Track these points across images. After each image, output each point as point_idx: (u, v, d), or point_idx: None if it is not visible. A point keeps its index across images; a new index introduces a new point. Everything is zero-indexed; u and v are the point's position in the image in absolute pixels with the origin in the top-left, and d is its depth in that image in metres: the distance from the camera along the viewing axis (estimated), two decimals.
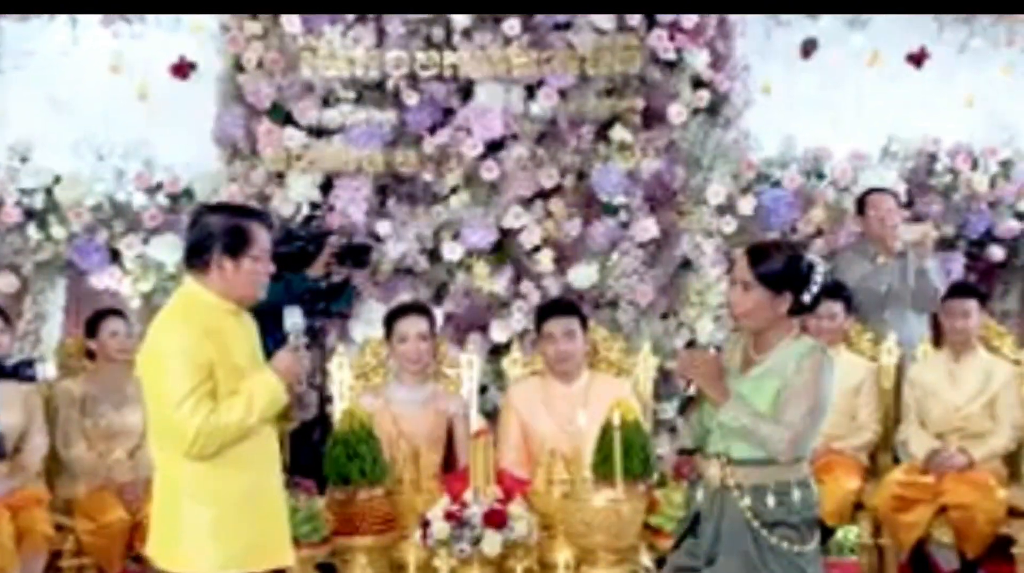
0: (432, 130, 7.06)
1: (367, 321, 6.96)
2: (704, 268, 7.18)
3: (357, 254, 6.89)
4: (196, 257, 4.24)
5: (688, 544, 4.29)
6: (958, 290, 6.59)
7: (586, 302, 6.89)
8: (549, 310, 6.05)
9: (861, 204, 7.24)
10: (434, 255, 7.09)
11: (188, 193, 7.22)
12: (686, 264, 7.20)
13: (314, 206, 7.08)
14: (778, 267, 4.12)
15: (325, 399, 6.55)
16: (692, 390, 4.24)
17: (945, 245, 7.55)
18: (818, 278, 4.14)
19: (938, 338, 6.83)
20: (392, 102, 7.06)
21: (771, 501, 4.10)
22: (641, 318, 7.06)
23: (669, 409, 6.86)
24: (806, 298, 4.14)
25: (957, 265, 7.55)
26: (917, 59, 7.84)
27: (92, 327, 6.40)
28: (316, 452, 5.49)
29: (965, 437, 6.28)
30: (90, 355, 6.44)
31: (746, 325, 4.21)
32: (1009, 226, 7.61)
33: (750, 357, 4.20)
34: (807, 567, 4.12)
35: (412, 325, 5.90)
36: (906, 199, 7.50)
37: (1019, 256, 7.72)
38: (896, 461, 6.49)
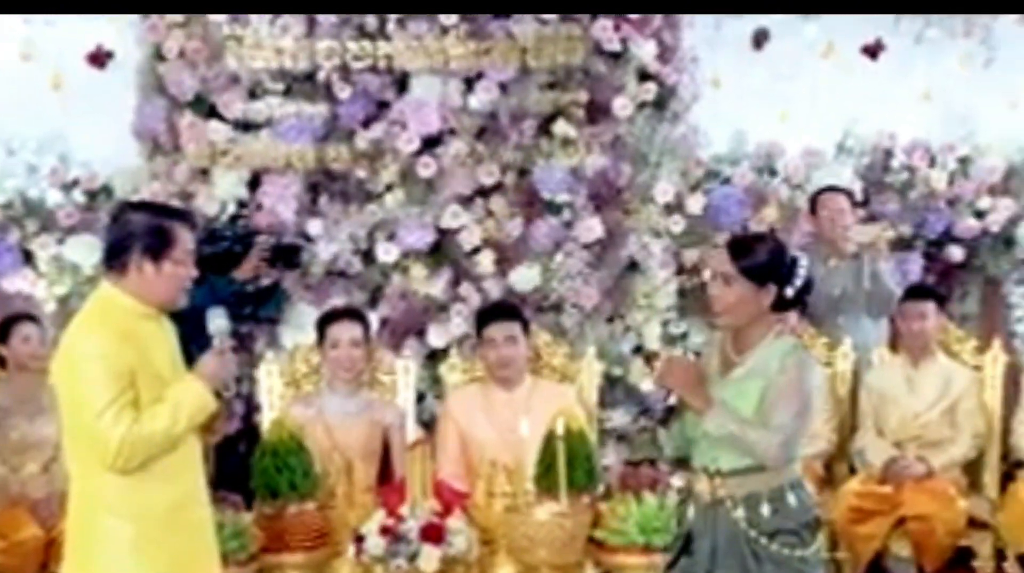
0: (365, 124, 7.04)
1: (297, 326, 6.92)
2: (651, 269, 7.21)
3: (287, 255, 6.88)
4: (115, 258, 4.20)
5: (683, 564, 4.26)
6: (915, 292, 6.66)
7: (528, 305, 6.88)
8: (490, 314, 6.06)
9: (814, 203, 7.29)
10: (368, 256, 7.06)
11: (106, 190, 7.16)
12: (633, 265, 7.22)
13: (241, 204, 7.04)
14: (762, 258, 4.12)
15: (253, 408, 6.53)
16: (672, 400, 4.21)
17: (902, 245, 7.61)
18: (802, 271, 4.14)
19: (895, 342, 6.89)
20: (323, 95, 7.03)
21: (766, 510, 4.09)
22: (586, 322, 7.07)
23: (615, 417, 6.90)
24: (789, 292, 4.12)
25: (915, 266, 7.60)
26: (872, 51, 7.91)
27: (3, 333, 6.33)
28: (243, 464, 5.47)
29: (924, 445, 6.34)
30: (1, 363, 6.37)
31: (727, 322, 4.19)
32: (968, 225, 7.67)
33: (729, 358, 4.19)
34: (812, 571, 4.12)
35: (344, 330, 5.89)
36: (862, 197, 7.56)
37: (979, 257, 7.77)
38: (852, 471, 6.53)
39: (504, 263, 7.06)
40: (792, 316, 6.55)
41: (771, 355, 4.11)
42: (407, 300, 7.02)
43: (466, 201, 7.08)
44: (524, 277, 7.03)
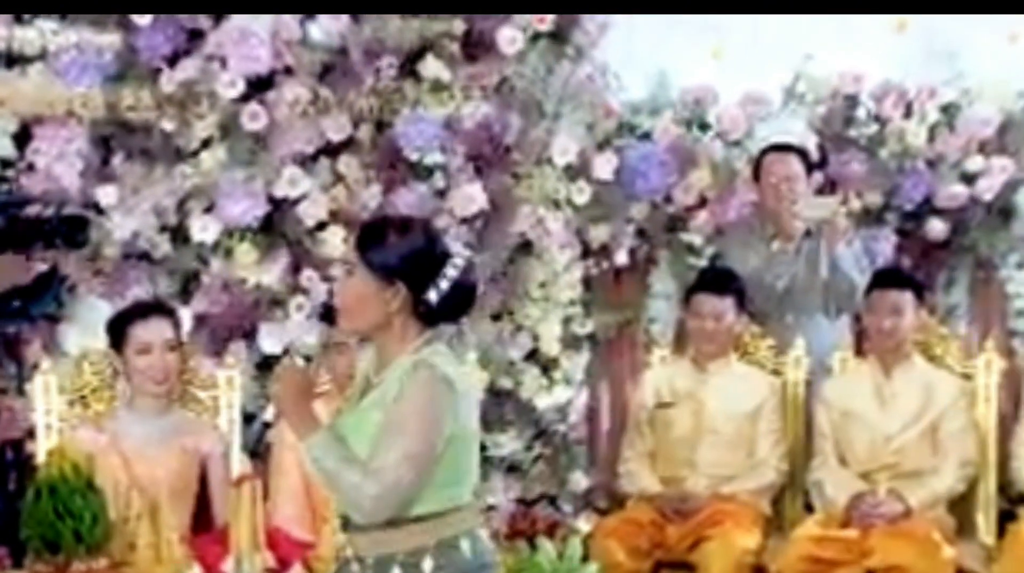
0: (172, 61, 6.99)
1: (85, 326, 6.85)
2: (549, 251, 7.25)
3: (68, 232, 6.79)
4: None
5: None
6: (887, 279, 6.74)
7: None
8: None
9: (757, 166, 7.33)
10: (179, 234, 7.03)
11: None
12: (525, 246, 7.26)
13: (5, 164, 6.96)
14: (391, 246, 4.05)
15: (24, 434, 6.45)
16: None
17: (870, 219, 7.70)
18: (452, 272, 4.04)
19: (861, 345, 6.95)
20: (115, 20, 6.97)
21: None
22: (465, 320, 7.06)
23: (503, 442, 6.90)
24: (432, 296, 4.03)
25: (886, 246, 7.69)
26: None
27: None
28: (11, 507, 5.42)
29: (899, 476, 6.42)
30: None
31: (345, 326, 4.21)
32: (953, 192, 7.74)
33: (370, 379, 4.16)
34: None
35: (155, 331, 5.85)
36: (818, 158, 7.60)
37: (967, 233, 7.84)
38: (808, 509, 6.59)
39: None
40: (729, 311, 6.58)
41: (394, 376, 4.04)
42: (231, 292, 6.98)
43: (307, 162, 7.06)
44: None
